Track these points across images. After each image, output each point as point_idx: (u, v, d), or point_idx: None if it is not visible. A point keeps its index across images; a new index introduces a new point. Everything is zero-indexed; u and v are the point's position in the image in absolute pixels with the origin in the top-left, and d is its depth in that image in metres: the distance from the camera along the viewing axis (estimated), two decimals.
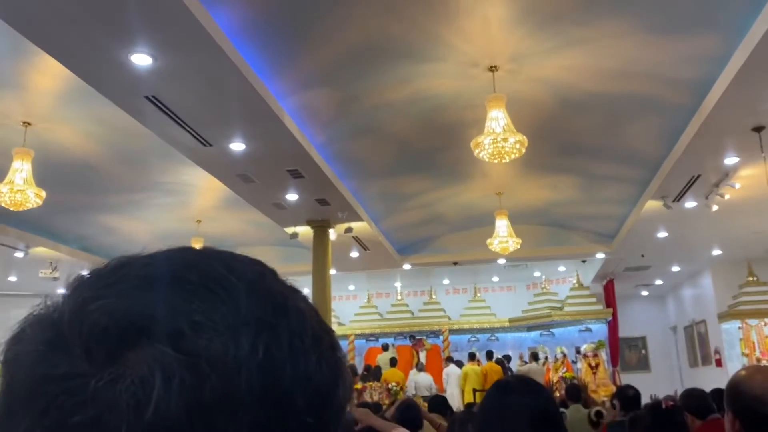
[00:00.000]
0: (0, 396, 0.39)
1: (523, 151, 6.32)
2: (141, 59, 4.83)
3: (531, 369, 12.58)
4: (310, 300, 0.47)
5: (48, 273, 10.91)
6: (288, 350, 0.41)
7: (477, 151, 6.32)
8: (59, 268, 11.01)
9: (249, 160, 6.99)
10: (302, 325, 0.43)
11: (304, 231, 9.72)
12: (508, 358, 13.65)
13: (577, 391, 7.32)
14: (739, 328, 12.58)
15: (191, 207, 10.13)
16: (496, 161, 6.43)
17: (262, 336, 0.40)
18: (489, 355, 12.94)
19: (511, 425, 1.59)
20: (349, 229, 9.71)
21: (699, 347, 14.45)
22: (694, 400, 3.47)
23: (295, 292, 0.46)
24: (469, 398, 11.36)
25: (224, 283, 0.42)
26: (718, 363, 13.13)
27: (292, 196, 8.37)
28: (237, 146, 6.62)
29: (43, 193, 7.05)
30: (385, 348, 14.12)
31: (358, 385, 12.39)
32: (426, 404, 6.01)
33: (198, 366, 0.37)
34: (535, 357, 13.30)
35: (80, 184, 8.77)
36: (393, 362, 13.03)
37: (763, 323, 12.47)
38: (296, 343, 0.42)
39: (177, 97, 5.50)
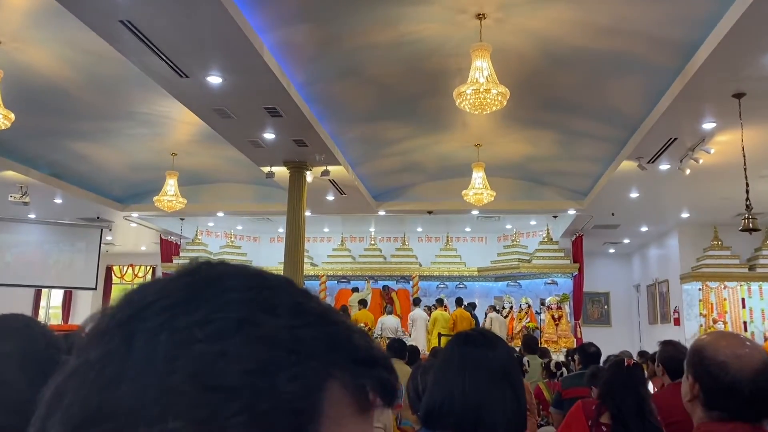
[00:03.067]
0: None
1: (505, 103, 6.22)
2: None
3: (495, 318, 12.82)
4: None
5: (18, 197, 10.67)
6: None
7: (459, 100, 6.20)
8: (29, 193, 10.77)
9: (226, 94, 6.79)
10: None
11: (281, 171, 9.59)
12: (473, 305, 13.87)
13: (533, 342, 7.62)
14: (700, 289, 12.90)
15: (167, 139, 9.89)
16: (477, 112, 6.33)
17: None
18: (458, 301, 13.11)
19: (470, 376, 1.57)
20: (326, 172, 9.60)
21: (659, 305, 14.82)
22: (673, 361, 3.21)
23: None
24: (435, 342, 11.54)
25: None
26: (676, 322, 13.51)
27: (269, 135, 8.21)
28: (214, 79, 6.41)
29: (12, 116, 6.80)
30: (355, 290, 14.24)
31: None
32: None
33: None
34: (494, 309, 13.54)
35: (52, 109, 8.48)
36: (363, 303, 13.15)
37: (722, 286, 12.79)
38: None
39: (153, 23, 5.26)
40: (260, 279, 0.46)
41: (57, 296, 17.83)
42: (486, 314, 13.27)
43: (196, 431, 0.38)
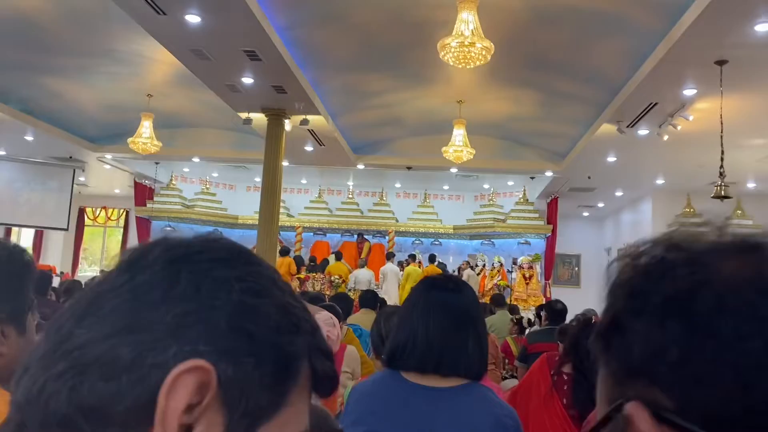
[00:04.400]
0: None
1: (489, 58, 6.17)
2: None
3: (471, 275, 12.99)
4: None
5: None
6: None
7: (443, 53, 6.13)
8: None
9: (204, 34, 6.61)
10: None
11: (259, 118, 9.44)
12: (443, 265, 14.03)
13: (501, 299, 8.05)
14: None
15: (143, 80, 9.64)
16: (460, 66, 6.27)
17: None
18: (431, 258, 13.24)
19: (434, 318, 1.58)
20: (304, 121, 9.48)
21: None
22: None
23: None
24: (406, 296, 11.72)
25: None
26: None
27: (247, 79, 8.05)
28: (192, 18, 6.23)
29: None
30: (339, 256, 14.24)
31: (302, 275, 12.59)
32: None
33: None
34: (469, 265, 13.67)
35: (25, 42, 8.19)
36: (338, 256, 13.21)
37: None
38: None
39: None
40: (268, 263, 0.56)
41: (27, 235, 17.59)
42: (460, 269, 13.43)
43: (218, 359, 0.46)
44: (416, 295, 1.69)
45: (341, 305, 4.05)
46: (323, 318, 2.60)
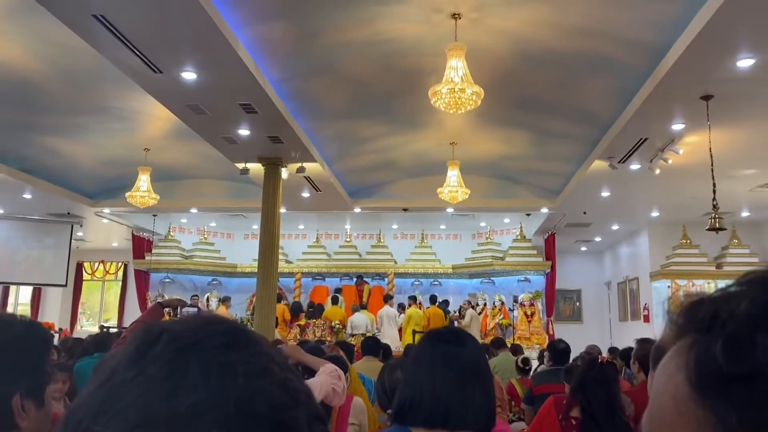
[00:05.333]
0: None
1: (479, 102, 6.29)
2: None
3: (474, 315, 12.93)
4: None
5: None
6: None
7: (434, 99, 6.25)
8: None
9: (200, 90, 6.74)
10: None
11: (256, 167, 9.54)
12: (446, 302, 13.99)
13: (501, 341, 8.17)
14: (669, 287, 13.16)
15: (140, 135, 9.78)
16: (452, 111, 6.38)
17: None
18: (432, 299, 13.22)
19: (440, 372, 1.61)
20: (301, 169, 9.58)
21: (630, 302, 15.09)
22: (647, 358, 3.26)
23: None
24: (409, 339, 11.62)
25: None
26: (646, 318, 13.77)
27: (244, 131, 8.17)
28: (188, 75, 6.36)
29: None
30: (338, 291, 14.21)
31: (302, 322, 12.53)
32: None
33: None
34: (471, 305, 13.63)
35: (22, 103, 8.33)
36: (334, 300, 13.13)
37: (691, 284, 13.07)
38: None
39: (126, 18, 5.20)
40: (264, 340, 0.61)
41: (26, 293, 17.51)
42: (461, 309, 13.37)
43: None
44: (421, 348, 1.71)
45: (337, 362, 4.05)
46: (328, 371, 2.61)
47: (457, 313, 13.31)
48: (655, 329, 12.95)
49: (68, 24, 5.34)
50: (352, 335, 11.98)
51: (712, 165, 7.23)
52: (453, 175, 10.04)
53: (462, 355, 1.65)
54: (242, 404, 0.51)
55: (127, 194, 10.59)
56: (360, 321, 12.19)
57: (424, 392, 1.60)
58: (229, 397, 0.51)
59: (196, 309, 3.72)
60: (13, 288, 16.88)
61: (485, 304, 14.39)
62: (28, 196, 11.81)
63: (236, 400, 0.51)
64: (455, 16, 6.05)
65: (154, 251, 15.37)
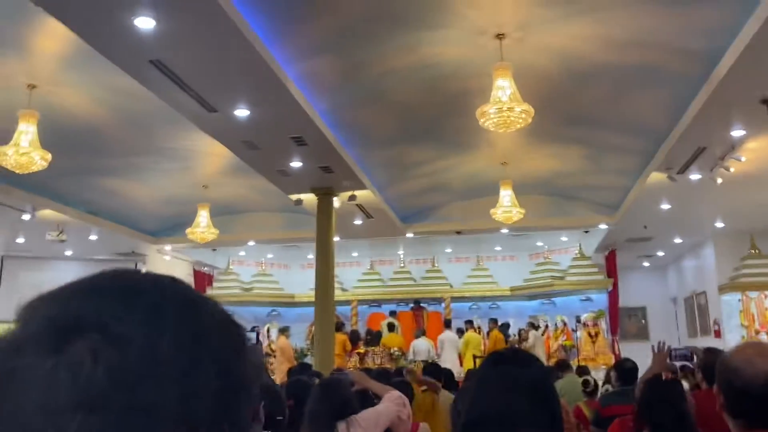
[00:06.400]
0: None
1: (529, 120, 6.25)
2: (144, 22, 4.75)
3: (538, 336, 12.67)
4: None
5: (55, 235, 10.96)
6: (192, 338, 0.53)
7: (482, 120, 6.25)
8: (66, 231, 11.05)
9: (253, 126, 6.93)
10: (209, 321, 0.56)
11: (309, 198, 9.70)
12: (506, 326, 13.75)
13: (565, 363, 7.92)
14: (739, 300, 12.60)
15: (197, 172, 10.10)
16: (501, 130, 6.36)
17: (172, 324, 0.52)
18: (492, 322, 13.02)
19: (504, 395, 1.58)
20: (352, 197, 9.68)
21: (698, 318, 14.50)
22: (710, 367, 3.08)
23: (206, 299, 0.59)
24: (469, 365, 11.47)
25: (142, 290, 0.56)
26: (717, 334, 13.19)
27: (296, 164, 8.33)
28: (241, 112, 6.56)
29: (49, 156, 7.01)
30: (393, 314, 14.17)
31: (361, 350, 12.52)
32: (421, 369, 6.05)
33: (119, 345, 0.49)
34: (533, 326, 13.39)
35: (85, 147, 8.74)
36: (390, 327, 13.06)
37: (763, 296, 12.48)
38: (203, 331, 0.54)
39: (181, 61, 5.43)
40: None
41: None
42: (520, 333, 13.12)
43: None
44: (485, 370, 1.69)
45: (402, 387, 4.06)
46: (394, 397, 2.61)
47: (517, 337, 13.06)
48: (728, 344, 12.39)
49: (127, 70, 5.60)
50: (413, 361, 11.89)
51: None
52: (506, 194, 9.95)
53: (526, 376, 1.62)
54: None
55: (188, 230, 10.91)
56: (422, 346, 12.10)
57: (489, 416, 1.57)
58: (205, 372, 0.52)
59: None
60: None
61: (547, 326, 14.09)
62: (94, 237, 12.30)
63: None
64: (499, 36, 6.06)
65: (214, 285, 15.72)
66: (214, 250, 14.52)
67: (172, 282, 0.58)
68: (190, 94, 6.02)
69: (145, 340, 0.50)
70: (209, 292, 15.47)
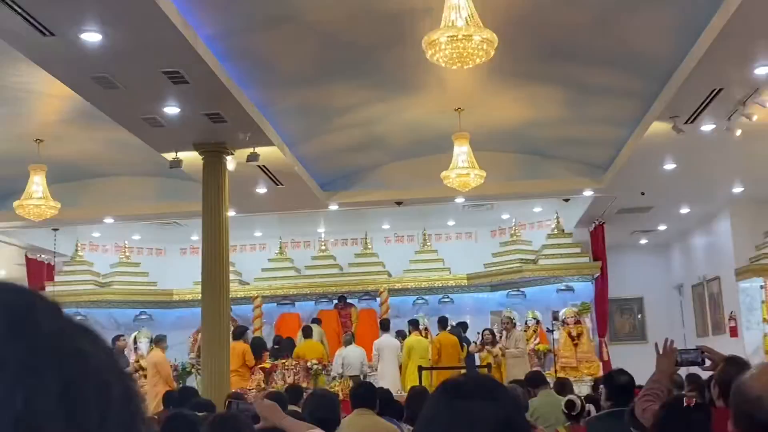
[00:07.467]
0: None
1: (492, 53, 6.29)
2: None
3: (520, 336, 12.89)
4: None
5: None
6: (57, 401, 0.51)
7: (430, 52, 6.26)
8: None
9: (109, 56, 6.76)
10: (82, 370, 0.54)
11: (191, 158, 9.55)
12: (464, 326, 13.95)
13: (539, 376, 8.20)
14: (762, 287, 13.14)
15: (29, 121, 9.79)
16: (455, 66, 6.38)
17: (22, 383, 0.50)
18: (442, 322, 13.15)
19: None
20: (253, 156, 9.58)
21: (711, 311, 15.09)
22: (730, 384, 3.28)
23: (83, 331, 0.57)
24: (413, 379, 11.59)
25: None
26: (733, 332, 13.72)
27: (171, 109, 8.20)
28: (91, 36, 6.37)
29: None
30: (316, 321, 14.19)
31: (267, 364, 12.47)
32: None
33: None
34: (511, 322, 13.63)
35: None
36: (306, 332, 13.00)
37: None
38: (71, 392, 0.52)
39: None
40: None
41: None
42: (483, 336, 13.32)
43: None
44: (434, 407, 1.67)
45: (324, 410, 4.05)
46: None
47: (480, 342, 13.28)
48: (747, 345, 12.97)
49: None
50: (341, 376, 11.94)
51: None
52: (461, 152, 10.03)
53: (491, 413, 1.61)
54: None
55: (16, 203, 10.52)
56: (354, 357, 12.17)
57: None
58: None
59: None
60: None
61: (514, 325, 14.39)
62: None
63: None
64: None
65: (57, 279, 15.30)
66: (56, 230, 14.09)
67: None
68: (15, 10, 5.77)
69: None
70: (49, 288, 15.03)
